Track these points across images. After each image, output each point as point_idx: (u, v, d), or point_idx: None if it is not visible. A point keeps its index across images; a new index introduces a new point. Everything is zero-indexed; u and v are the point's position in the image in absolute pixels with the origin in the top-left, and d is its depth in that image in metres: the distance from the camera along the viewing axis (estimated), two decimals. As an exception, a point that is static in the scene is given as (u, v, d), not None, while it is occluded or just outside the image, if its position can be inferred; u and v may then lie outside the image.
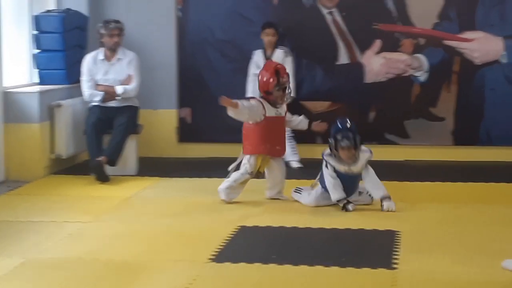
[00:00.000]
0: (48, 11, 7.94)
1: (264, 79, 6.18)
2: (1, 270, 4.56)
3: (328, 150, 6.06)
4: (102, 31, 7.50)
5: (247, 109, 6.13)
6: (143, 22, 8.40)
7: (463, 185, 6.98)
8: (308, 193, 6.20)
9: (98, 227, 5.62)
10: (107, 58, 7.54)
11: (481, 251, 4.91)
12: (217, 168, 7.31)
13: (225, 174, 6.39)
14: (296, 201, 6.27)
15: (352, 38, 8.20)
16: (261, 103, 6.19)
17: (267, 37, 7.77)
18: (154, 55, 8.37)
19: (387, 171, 6.87)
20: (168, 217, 5.85)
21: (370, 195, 6.12)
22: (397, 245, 5.05)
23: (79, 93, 7.64)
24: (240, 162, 6.31)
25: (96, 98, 7.46)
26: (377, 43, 8.18)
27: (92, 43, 7.99)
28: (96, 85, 7.50)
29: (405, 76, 8.19)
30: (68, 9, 8.02)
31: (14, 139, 7.24)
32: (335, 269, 4.57)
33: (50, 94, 7.55)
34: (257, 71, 7.67)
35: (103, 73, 7.51)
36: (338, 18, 8.22)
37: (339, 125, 6.06)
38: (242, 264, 4.67)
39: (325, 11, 8.23)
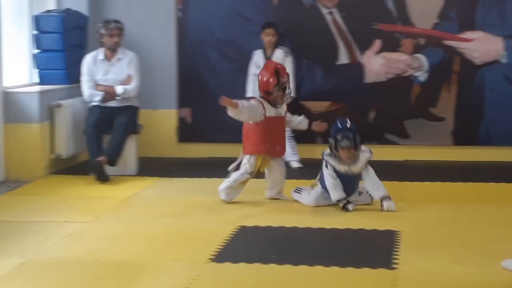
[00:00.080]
0: (48, 11, 7.94)
1: (264, 79, 6.18)
2: (1, 270, 4.56)
3: (328, 150, 6.06)
4: (102, 31, 7.50)
5: (247, 109, 6.13)
6: (143, 22, 8.40)
7: (463, 185, 6.98)
8: (308, 193, 6.20)
9: (98, 227, 5.62)
10: (107, 58, 7.54)
11: (481, 251, 4.91)
12: (217, 168, 7.31)
13: (225, 174, 6.39)
14: (296, 201, 6.27)
15: (352, 38, 8.20)
16: (261, 103, 6.19)
17: (267, 37, 7.77)
18: (154, 55, 8.37)
19: (387, 171, 6.87)
20: (168, 217, 5.85)
21: (370, 195, 6.12)
22: (397, 245, 5.05)
23: (79, 93, 7.64)
24: (240, 162, 6.31)
25: (96, 98, 7.46)
26: (377, 43, 8.18)
27: (92, 43, 7.99)
28: (96, 85, 7.50)
29: (405, 76, 8.19)
30: (68, 9, 8.02)
31: (14, 139, 7.23)
32: (335, 269, 4.57)
33: (50, 94, 7.55)
34: (257, 71, 7.67)
35: (103, 73, 7.51)
36: (338, 18, 8.22)
37: (339, 125, 6.06)
38: (242, 264, 4.67)
39: (325, 11, 8.23)
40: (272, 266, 4.63)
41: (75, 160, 7.93)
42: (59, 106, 7.52)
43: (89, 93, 7.48)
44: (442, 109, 8.18)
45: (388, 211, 5.91)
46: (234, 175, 6.26)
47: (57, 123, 7.51)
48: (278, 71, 6.16)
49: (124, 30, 7.59)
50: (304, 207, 6.14)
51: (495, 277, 4.41)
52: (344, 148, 5.94)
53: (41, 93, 7.41)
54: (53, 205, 6.24)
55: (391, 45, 8.17)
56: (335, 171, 6.00)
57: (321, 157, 6.11)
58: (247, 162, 6.23)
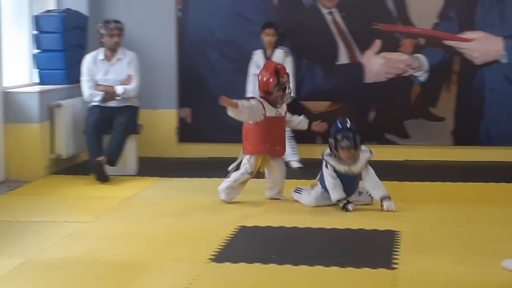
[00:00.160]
0: (48, 11, 7.94)
1: (264, 79, 6.18)
2: (1, 270, 4.56)
3: (328, 150, 6.06)
4: (102, 31, 7.50)
5: (247, 109, 6.13)
6: (143, 22, 8.40)
7: (463, 185, 6.98)
8: (308, 193, 6.20)
9: (98, 227, 5.62)
10: (107, 58, 7.54)
11: (481, 251, 4.91)
12: (217, 168, 7.31)
13: (225, 174, 6.39)
14: (296, 201, 6.27)
15: (352, 38, 8.20)
16: (261, 103, 6.19)
17: (267, 37, 7.77)
18: (154, 55, 8.37)
19: (387, 171, 6.87)
20: (168, 217, 5.85)
21: (370, 195, 6.11)
22: (397, 245, 5.05)
23: (79, 93, 7.64)
24: (240, 162, 6.31)
25: (96, 98, 7.46)
26: (377, 43, 8.18)
27: (92, 43, 7.99)
28: (96, 85, 7.50)
29: (405, 76, 8.19)
30: (68, 9, 8.02)
31: (14, 139, 7.23)
32: (335, 269, 4.57)
33: (50, 94, 7.55)
34: (257, 71, 7.67)
35: (103, 73, 7.51)
36: (338, 18, 8.22)
37: (339, 125, 6.05)
38: (242, 264, 4.67)
39: (325, 11, 8.23)
40: (272, 266, 4.63)
41: (75, 160, 7.93)
42: (59, 106, 7.52)
43: (89, 93, 7.48)
44: (442, 109, 8.18)
45: (388, 211, 5.91)
46: (234, 175, 6.26)
47: (57, 123, 7.51)
48: (278, 71, 6.16)
49: (124, 30, 7.59)
50: (304, 207, 6.14)
51: (495, 277, 4.41)
52: (344, 148, 5.94)
53: (41, 93, 7.41)
54: (53, 205, 6.24)
55: (391, 45, 8.17)
56: (335, 171, 6.00)
57: (321, 157, 6.11)
58: (247, 162, 6.23)
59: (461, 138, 8.19)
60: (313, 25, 8.22)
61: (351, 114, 7.84)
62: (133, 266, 4.67)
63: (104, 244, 5.14)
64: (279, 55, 7.67)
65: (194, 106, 8.47)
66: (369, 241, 5.23)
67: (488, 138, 8.13)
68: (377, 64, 8.20)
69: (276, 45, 7.79)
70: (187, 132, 8.51)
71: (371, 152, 6.06)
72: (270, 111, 6.20)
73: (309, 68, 8.24)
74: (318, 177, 6.18)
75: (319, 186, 6.16)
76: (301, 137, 7.75)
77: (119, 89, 7.45)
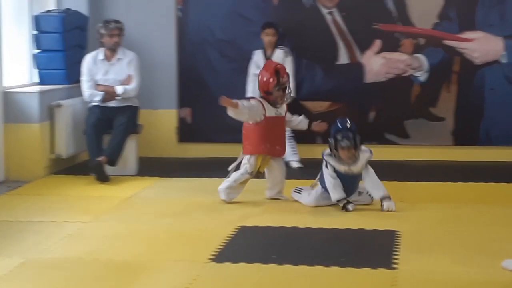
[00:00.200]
0: (48, 11, 7.94)
1: (264, 79, 6.18)
2: (1, 270, 4.56)
3: (328, 150, 6.06)
4: (102, 31, 7.49)
5: (247, 109, 6.13)
6: (143, 22, 8.40)
7: (463, 185, 6.98)
8: (308, 193, 6.20)
9: (98, 227, 5.62)
10: (107, 58, 7.54)
11: (481, 251, 4.91)
12: (217, 168, 7.31)
13: (225, 174, 6.39)
14: (296, 201, 6.27)
15: (352, 38, 8.20)
16: (261, 103, 6.19)
17: (267, 37, 7.77)
18: (154, 55, 8.37)
19: (387, 171, 6.87)
20: (168, 217, 5.85)
21: (370, 195, 6.11)
22: (397, 245, 5.05)
23: (79, 93, 7.64)
24: (240, 162, 6.30)
25: (96, 98, 7.46)
26: (377, 43, 8.18)
27: (92, 43, 7.99)
28: (96, 85, 7.50)
29: (405, 76, 8.19)
30: (68, 9, 8.02)
31: (14, 139, 7.23)
32: (335, 269, 4.57)
33: (50, 94, 7.54)
34: (257, 71, 7.66)
35: (103, 73, 7.51)
36: (338, 18, 8.22)
37: (339, 125, 6.05)
38: (242, 264, 4.67)
39: (325, 11, 8.23)
40: (272, 266, 4.63)
41: (75, 160, 7.93)
42: (59, 106, 7.52)
43: (89, 93, 7.48)
44: (442, 109, 8.18)
45: (388, 211, 5.91)
46: (234, 175, 6.26)
47: (57, 123, 7.51)
48: (278, 71, 6.16)
49: (124, 30, 7.59)
50: (304, 207, 6.14)
51: (495, 277, 4.41)
52: (344, 148, 5.94)
53: (41, 93, 7.41)
54: (53, 205, 6.24)
55: (391, 45, 8.17)
56: (335, 171, 6.00)
57: (321, 157, 6.11)
58: (247, 162, 6.23)
59: (461, 138, 8.19)
60: (313, 25, 8.22)
61: (351, 114, 7.84)
62: (133, 266, 4.67)
63: (104, 244, 5.14)
64: (279, 55, 7.67)
65: (194, 106, 8.47)
66: (369, 241, 5.23)
67: (488, 138, 8.13)
68: (377, 64, 8.20)
69: (276, 45, 7.79)
70: (187, 132, 8.51)
71: (371, 152, 6.06)
72: (270, 111, 6.20)
73: (309, 68, 8.24)
74: (318, 177, 6.18)
75: (319, 186, 6.16)
76: (301, 137, 7.75)
77: (119, 89, 7.45)
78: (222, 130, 8.21)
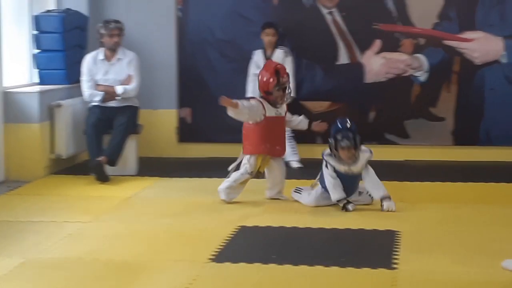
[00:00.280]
0: (48, 11, 7.94)
1: (264, 79, 6.18)
2: (1, 270, 4.56)
3: (328, 150, 6.06)
4: (102, 31, 7.49)
5: (247, 109, 6.13)
6: (143, 22, 8.39)
7: (463, 185, 6.98)
8: (308, 193, 6.20)
9: (98, 227, 5.62)
10: (107, 58, 7.54)
11: (481, 251, 4.91)
12: (217, 168, 7.31)
13: (225, 174, 6.39)
14: (296, 201, 6.27)
15: (352, 38, 8.20)
16: (261, 103, 6.19)
17: (267, 37, 7.77)
18: (154, 55, 8.37)
19: (387, 171, 6.87)
20: (168, 217, 5.85)
21: (370, 195, 6.11)
22: (397, 245, 5.05)
23: (79, 93, 7.64)
24: (240, 162, 6.30)
25: (96, 98, 7.46)
26: (377, 43, 8.18)
27: (92, 43, 7.99)
28: (96, 85, 7.50)
29: (405, 76, 8.19)
30: (68, 9, 8.02)
31: (14, 139, 7.23)
32: (335, 269, 4.57)
33: (50, 94, 7.54)
34: (257, 71, 7.66)
35: (103, 73, 7.51)
36: (338, 18, 8.22)
37: (339, 125, 6.05)
38: (242, 264, 4.67)
39: (325, 11, 8.23)
40: (272, 266, 4.63)
41: (75, 160, 7.93)
42: (59, 106, 7.52)
43: (89, 93, 7.48)
44: (442, 109, 8.18)
45: (388, 211, 5.91)
46: (234, 175, 6.26)
47: (57, 123, 7.51)
48: (278, 71, 6.16)
49: (124, 30, 7.59)
50: (304, 207, 6.14)
51: (495, 277, 4.41)
52: (344, 148, 5.94)
53: (41, 93, 7.41)
54: (53, 205, 6.24)
55: (391, 45, 8.17)
56: (335, 171, 6.00)
57: (321, 157, 6.11)
58: (247, 162, 6.23)
59: (461, 138, 8.19)
60: (313, 25, 8.22)
61: (351, 114, 7.84)
62: (133, 266, 4.67)
63: (104, 244, 5.14)
64: (279, 55, 7.67)
65: (194, 106, 8.47)
66: (369, 241, 5.23)
67: (488, 138, 8.13)
68: (377, 64, 8.20)
69: (276, 45, 7.78)
70: (187, 132, 8.51)
71: (371, 152, 6.06)
72: (270, 111, 6.20)
73: (309, 68, 8.24)
74: (318, 177, 6.18)
75: (319, 186, 6.16)
76: (301, 137, 7.75)
77: (119, 89, 7.45)
78: (222, 130, 8.21)
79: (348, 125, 6.04)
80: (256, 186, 6.41)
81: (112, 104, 7.48)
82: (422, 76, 8.18)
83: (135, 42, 8.13)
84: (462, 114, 8.16)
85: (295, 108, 7.06)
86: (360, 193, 6.14)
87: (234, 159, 6.40)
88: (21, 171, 7.21)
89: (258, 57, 7.81)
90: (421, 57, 8.16)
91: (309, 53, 8.22)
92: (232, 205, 6.21)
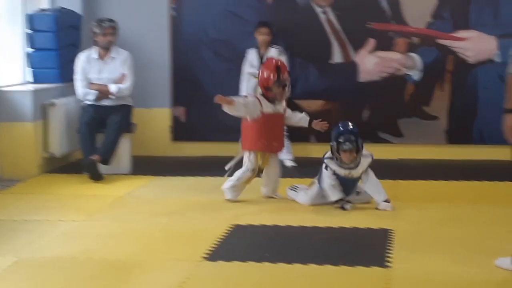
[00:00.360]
0: (42, 9, 7.92)
1: (265, 75, 6.17)
2: (-6, 269, 4.56)
3: (329, 153, 6.03)
4: (96, 30, 7.48)
5: (243, 105, 6.13)
6: (137, 21, 8.38)
7: (456, 184, 6.99)
8: (305, 192, 6.18)
9: (92, 226, 5.61)
10: (101, 56, 7.53)
11: (475, 249, 4.91)
12: (211, 166, 7.31)
13: (219, 172, 6.39)
14: (291, 199, 6.26)
15: (346, 37, 8.21)
16: (258, 99, 6.19)
17: (261, 36, 7.77)
18: (148, 54, 8.36)
19: (381, 169, 6.85)
20: (162, 216, 5.85)
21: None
22: (390, 243, 5.05)
23: (72, 92, 7.63)
24: (238, 161, 6.29)
25: (90, 97, 7.45)
26: (371, 42, 8.19)
27: (86, 42, 7.98)
28: (90, 84, 7.49)
29: (399, 75, 8.20)
30: (62, 8, 8.00)
31: (7, 137, 7.22)
32: (329, 267, 4.57)
33: (43, 92, 7.53)
34: (251, 70, 7.69)
35: (97, 72, 7.50)
36: (332, 17, 8.22)
37: (341, 128, 6.02)
38: (236, 262, 4.67)
39: (319, 10, 8.23)
40: (265, 264, 4.63)
41: (69, 158, 7.92)
42: (52, 105, 7.51)
43: (83, 91, 7.47)
44: (436, 108, 8.19)
45: (384, 210, 5.90)
46: (236, 174, 6.25)
47: (51, 121, 7.50)
48: (279, 68, 6.16)
49: (118, 29, 7.58)
50: (299, 205, 6.14)
51: (489, 276, 4.41)
52: (346, 151, 5.91)
53: (35, 92, 7.39)
54: (47, 204, 6.23)
55: (385, 44, 8.18)
56: (335, 174, 5.98)
57: (315, 156, 6.10)
58: (247, 160, 6.23)
59: (455, 136, 8.21)
60: (307, 24, 8.23)
61: (345, 113, 7.87)
62: (127, 265, 4.67)
63: (97, 243, 5.13)
64: (273, 54, 7.66)
65: (188, 104, 8.46)
66: (363, 240, 5.23)
67: (481, 137, 8.15)
68: (371, 63, 8.21)
69: (270, 44, 7.78)
70: (181, 131, 8.50)
71: (372, 157, 6.03)
72: (268, 108, 6.19)
73: (303, 67, 8.25)
74: (317, 176, 6.14)
75: (316, 184, 6.12)
76: (295, 136, 7.75)
77: (113, 88, 7.44)
78: (216, 129, 8.21)
79: (350, 128, 6.03)
80: (251, 184, 6.40)
81: (105, 103, 7.48)
82: (415, 75, 8.19)
83: (129, 41, 8.12)
84: (456, 113, 8.17)
85: (289, 107, 7.04)
86: (358, 193, 6.12)
87: (229, 158, 6.39)
88: (14, 170, 7.20)
89: (252, 56, 7.80)
90: (415, 56, 8.17)
91: (303, 52, 8.22)
92: (227, 203, 6.20)
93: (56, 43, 7.77)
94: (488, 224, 5.57)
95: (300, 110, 7.35)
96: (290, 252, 4.90)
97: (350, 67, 8.22)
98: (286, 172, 7.05)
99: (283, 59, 7.69)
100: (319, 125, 6.45)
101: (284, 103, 6.29)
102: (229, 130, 7.75)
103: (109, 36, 7.48)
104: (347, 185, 6.01)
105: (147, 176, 7.30)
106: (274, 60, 6.33)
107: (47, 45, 7.76)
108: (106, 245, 5.10)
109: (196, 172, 7.44)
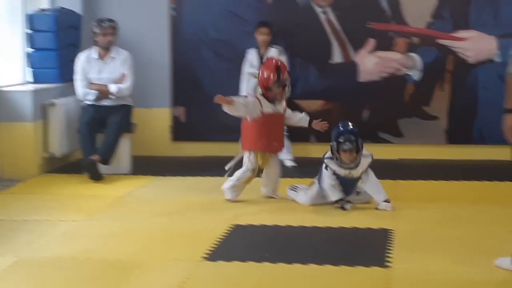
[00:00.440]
0: (42, 10, 7.92)
1: (265, 75, 6.17)
2: (-6, 269, 4.56)
3: (329, 153, 6.03)
4: (96, 30, 7.48)
5: (243, 105, 6.13)
6: (137, 21, 8.39)
7: (456, 184, 6.99)
8: (305, 192, 6.18)
9: (92, 226, 5.61)
10: (101, 56, 7.53)
11: (475, 249, 4.91)
12: (211, 166, 7.31)
13: (219, 172, 6.39)
14: (291, 199, 6.27)
15: (346, 37, 8.21)
16: (258, 99, 6.19)
17: (261, 36, 7.77)
18: (148, 54, 8.36)
19: (381, 169, 6.84)
20: (162, 216, 5.85)
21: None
22: (390, 243, 5.05)
23: (72, 92, 7.63)
24: (238, 161, 6.29)
25: (90, 97, 7.45)
26: (371, 42, 8.19)
27: (86, 42, 7.98)
28: (90, 84, 7.49)
29: (399, 75, 8.20)
30: (62, 8, 8.00)
31: (7, 138, 7.22)
32: (329, 267, 4.57)
33: (43, 93, 7.53)
34: (251, 70, 7.69)
35: (97, 72, 7.50)
36: (332, 17, 8.22)
37: (341, 128, 6.03)
38: (236, 262, 4.67)
39: (319, 10, 8.23)
40: (265, 264, 4.63)
41: (69, 158, 7.92)
42: (52, 104, 7.51)
43: (83, 91, 7.47)
44: (436, 108, 8.19)
45: (384, 209, 5.91)
46: (236, 174, 6.25)
47: (51, 121, 7.50)
48: (279, 68, 6.16)
49: (118, 29, 7.58)
50: (299, 205, 6.14)
51: (488, 276, 4.41)
52: (346, 151, 5.91)
53: (35, 91, 7.39)
54: (47, 204, 6.23)
55: (385, 44, 8.18)
56: (335, 174, 5.98)
57: (315, 156, 6.10)
58: (247, 160, 6.23)
59: (455, 137, 8.21)
60: (307, 24, 8.23)
61: (345, 113, 7.87)
62: (127, 265, 4.67)
63: (97, 243, 5.13)
64: (273, 54, 7.66)
65: (188, 104, 8.46)
66: (363, 240, 5.23)
67: (481, 137, 8.15)
68: (371, 63, 8.21)
69: (270, 44, 7.78)
70: (181, 131, 8.50)
71: (372, 157, 6.03)
72: (267, 108, 6.19)
73: (303, 67, 8.25)
74: (317, 176, 6.14)
75: (317, 184, 6.12)
76: (295, 136, 7.75)
77: (113, 87, 7.45)
78: (216, 129, 8.21)
79: (351, 128, 6.03)
80: (251, 184, 6.40)
81: (105, 103, 7.48)
82: (415, 75, 8.19)
83: (129, 41, 8.12)
84: (456, 113, 8.17)
85: (289, 107, 7.04)
86: (357, 193, 6.12)
87: (228, 158, 6.39)
88: (14, 170, 7.20)
89: (252, 56, 7.80)
90: (415, 56, 8.17)
91: (303, 52, 8.22)
92: (227, 203, 6.20)
93: (56, 43, 7.77)
94: (488, 224, 5.57)
95: (300, 110, 7.37)
96: (290, 252, 4.90)
97: (350, 67, 8.22)
98: (286, 172, 7.05)
99: (283, 59, 7.70)
100: (319, 125, 6.45)
101: (284, 103, 6.29)
102: (229, 130, 7.75)
103: (109, 36, 7.48)
104: (347, 185, 6.02)
105: (147, 176, 7.30)
106: (274, 60, 6.33)
107: (47, 45, 7.76)
108: (106, 245, 5.10)
109: (196, 172, 7.44)
